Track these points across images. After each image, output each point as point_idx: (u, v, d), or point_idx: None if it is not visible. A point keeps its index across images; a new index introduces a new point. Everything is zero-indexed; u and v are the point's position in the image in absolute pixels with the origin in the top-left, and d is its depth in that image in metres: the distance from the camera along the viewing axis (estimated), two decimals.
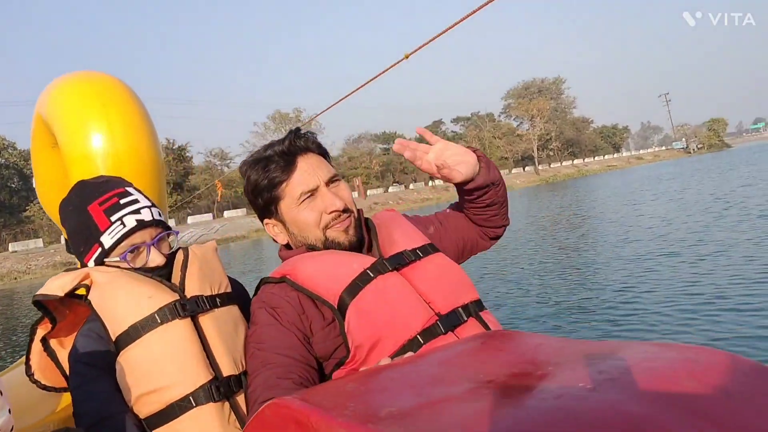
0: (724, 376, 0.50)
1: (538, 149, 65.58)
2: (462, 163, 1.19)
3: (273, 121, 55.51)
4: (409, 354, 0.99)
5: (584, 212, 15.88)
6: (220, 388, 1.07)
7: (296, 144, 1.19)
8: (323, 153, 1.24)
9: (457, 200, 1.38)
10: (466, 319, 1.11)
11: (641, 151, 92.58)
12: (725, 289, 5.41)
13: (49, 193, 2.15)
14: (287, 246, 1.24)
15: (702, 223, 9.88)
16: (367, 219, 1.28)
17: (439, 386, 0.62)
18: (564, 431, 0.46)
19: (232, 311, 1.19)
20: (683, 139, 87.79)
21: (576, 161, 71.21)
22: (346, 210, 1.18)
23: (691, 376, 0.50)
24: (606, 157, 78.54)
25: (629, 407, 0.47)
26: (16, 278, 27.89)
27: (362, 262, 1.11)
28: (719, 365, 0.52)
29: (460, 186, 1.25)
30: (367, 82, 3.58)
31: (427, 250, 1.21)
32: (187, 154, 47.06)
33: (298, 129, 1.23)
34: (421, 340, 1.03)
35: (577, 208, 17.63)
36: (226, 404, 1.07)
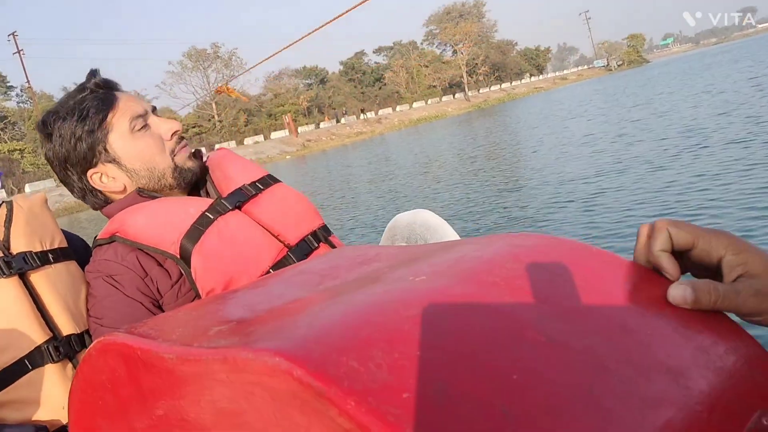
0: (545, 256, 0.49)
1: (466, 75, 65.78)
2: None
3: (189, 59, 52.66)
4: None
5: (518, 137, 16.20)
6: (60, 348, 0.99)
7: (106, 80, 1.09)
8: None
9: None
10: (317, 245, 1.09)
11: (564, 72, 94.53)
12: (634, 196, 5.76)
13: None
14: (109, 201, 1.13)
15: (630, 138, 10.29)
16: None
17: (272, 301, 0.59)
18: (386, 314, 0.44)
19: (70, 267, 1.09)
20: (605, 58, 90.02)
21: (504, 85, 72.04)
22: (182, 136, 1.11)
23: (515, 258, 0.49)
24: (532, 79, 79.78)
25: (454, 289, 0.46)
26: None
27: (199, 205, 1.04)
28: (542, 247, 0.51)
29: None
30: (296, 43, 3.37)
31: (267, 181, 1.16)
32: None
33: (97, 69, 1.12)
34: None
35: (509, 133, 17.98)
36: (69, 364, 1.00)
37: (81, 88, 1.08)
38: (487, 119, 28.50)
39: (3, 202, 1.10)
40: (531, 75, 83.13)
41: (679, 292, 0.44)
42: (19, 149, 37.66)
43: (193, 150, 1.14)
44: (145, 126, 1.07)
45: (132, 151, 1.07)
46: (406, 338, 0.40)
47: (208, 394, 0.48)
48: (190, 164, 1.10)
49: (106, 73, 1.13)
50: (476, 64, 68.66)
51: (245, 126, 50.79)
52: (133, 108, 1.06)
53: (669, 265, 0.47)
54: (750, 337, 0.44)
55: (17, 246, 1.03)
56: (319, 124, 50.33)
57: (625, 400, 0.36)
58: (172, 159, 1.08)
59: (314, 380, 0.36)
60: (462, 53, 65.74)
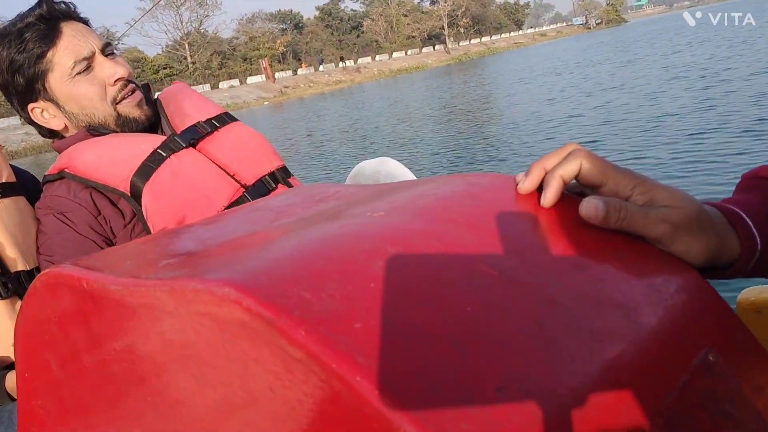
0: (501, 194, 0.49)
1: (447, 27, 64.64)
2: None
3: None
4: None
5: (502, 91, 16.11)
6: (8, 285, 0.97)
7: (55, 8, 1.01)
8: (87, 23, 1.07)
9: None
10: (275, 186, 1.06)
11: (544, 28, 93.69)
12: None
13: None
14: (61, 136, 1.09)
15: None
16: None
17: (224, 235, 0.57)
18: (341, 247, 0.43)
19: (19, 203, 1.05)
20: (582, 16, 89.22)
21: (484, 39, 71.08)
22: (130, 80, 1.04)
23: (472, 196, 0.48)
24: (512, 34, 78.83)
25: (411, 225, 0.45)
26: None
27: (151, 141, 1.01)
28: (498, 185, 0.51)
29: None
30: None
31: (224, 119, 1.12)
32: None
33: None
34: None
35: (493, 86, 17.86)
36: (18, 302, 0.98)
37: (25, 13, 1.02)
38: (469, 72, 28.22)
39: None
40: (510, 30, 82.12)
41: (591, 205, 0.44)
42: None
43: (141, 86, 1.09)
44: (88, 68, 1.02)
45: (70, 95, 1.02)
46: (360, 271, 0.39)
47: (156, 326, 0.47)
48: (136, 113, 1.05)
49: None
50: (457, 15, 67.43)
51: (219, 69, 49.45)
52: (78, 48, 1.00)
53: (553, 193, 0.46)
54: (702, 279, 0.44)
55: None
56: (296, 71, 49.27)
57: (576, 334, 0.35)
58: (114, 107, 1.04)
59: (264, 310, 0.36)
60: (443, 3, 64.39)
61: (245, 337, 0.38)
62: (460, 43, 67.00)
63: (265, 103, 35.57)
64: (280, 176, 1.09)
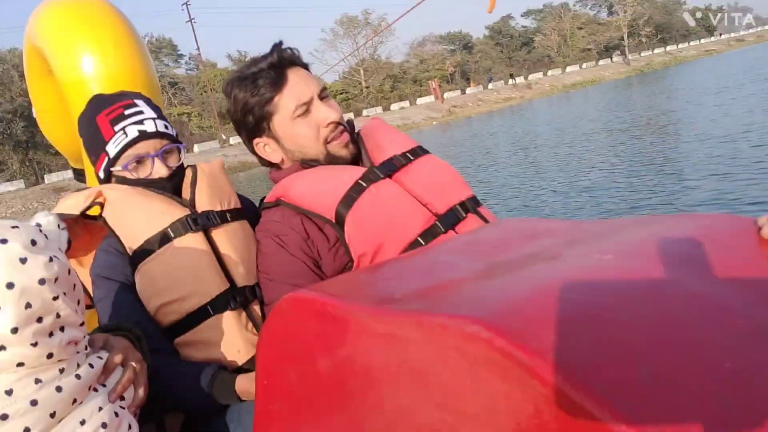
0: (739, 238, 0.46)
1: (627, 37, 60.75)
2: None
3: (341, 26, 54.10)
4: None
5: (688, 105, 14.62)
6: (237, 297, 1.11)
7: (284, 56, 1.14)
8: (307, 68, 1.19)
9: None
10: (465, 216, 1.10)
11: (741, 33, 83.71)
12: None
13: (50, 121, 2.17)
14: (277, 167, 1.22)
15: None
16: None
17: (452, 270, 0.61)
18: (583, 291, 0.44)
19: (244, 226, 1.20)
20: None
21: (669, 48, 65.49)
22: (341, 123, 1.15)
23: (709, 240, 0.47)
24: (702, 41, 71.58)
25: (649, 270, 0.45)
26: None
27: (353, 173, 1.10)
28: (735, 228, 0.48)
29: None
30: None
31: (417, 152, 1.19)
32: None
33: (281, 42, 1.19)
34: (422, 241, 1.03)
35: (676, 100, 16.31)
36: (243, 313, 1.12)
37: (259, 59, 1.17)
38: (653, 84, 26.12)
39: (188, 165, 1.24)
40: (700, 37, 74.62)
41: None
42: (187, 113, 41.62)
43: (347, 123, 1.20)
44: (306, 111, 1.14)
45: (289, 135, 1.15)
46: (608, 318, 0.40)
47: (399, 353, 0.52)
48: (343, 153, 1.16)
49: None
50: (638, 24, 63.05)
51: (391, 92, 51.57)
52: (300, 94, 1.13)
53: None
54: None
55: (201, 205, 1.16)
56: (465, 90, 49.67)
57: None
58: (325, 146, 1.15)
59: (517, 351, 0.38)
60: (622, 13, 60.64)
61: (495, 372, 0.40)
62: (642, 53, 62.47)
63: (434, 122, 36.31)
64: (470, 206, 1.14)
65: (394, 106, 44.14)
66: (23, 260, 0.66)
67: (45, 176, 31.93)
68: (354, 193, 1.07)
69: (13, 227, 0.69)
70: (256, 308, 1.14)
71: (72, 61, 1.63)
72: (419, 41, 62.19)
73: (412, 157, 1.18)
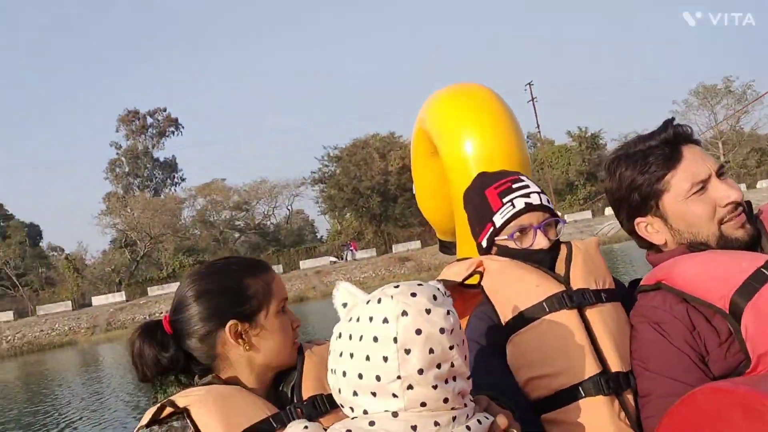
0: None
1: None
2: None
3: (696, 96, 49.11)
4: None
5: None
6: (609, 382, 1.05)
7: (679, 132, 1.09)
8: (700, 144, 1.12)
9: None
10: None
11: None
12: None
13: (428, 197, 2.41)
14: (657, 248, 1.15)
15: None
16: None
17: None
18: None
19: (618, 308, 1.15)
20: None
21: None
22: (740, 203, 1.04)
23: None
24: None
25: None
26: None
27: (753, 260, 0.96)
28: None
29: None
30: None
31: None
32: (600, 141, 46.23)
33: (673, 118, 1.13)
34: None
35: None
36: (616, 400, 1.05)
37: (648, 136, 1.14)
38: None
39: (562, 242, 1.26)
40: None
41: None
42: None
43: (744, 203, 1.07)
44: (702, 190, 1.06)
45: (680, 214, 1.09)
46: None
47: None
48: (739, 234, 1.05)
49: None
50: None
51: (757, 167, 44.59)
52: (696, 172, 1.07)
53: None
54: None
55: (576, 282, 1.16)
56: None
57: None
58: (719, 227, 1.05)
59: None
60: None
61: None
62: None
63: None
64: None
65: (762, 183, 37.88)
66: (428, 311, 0.76)
67: (393, 246, 36.94)
68: (755, 282, 0.93)
69: (419, 284, 0.81)
70: (629, 397, 1.07)
71: (457, 142, 1.86)
72: None
73: None
